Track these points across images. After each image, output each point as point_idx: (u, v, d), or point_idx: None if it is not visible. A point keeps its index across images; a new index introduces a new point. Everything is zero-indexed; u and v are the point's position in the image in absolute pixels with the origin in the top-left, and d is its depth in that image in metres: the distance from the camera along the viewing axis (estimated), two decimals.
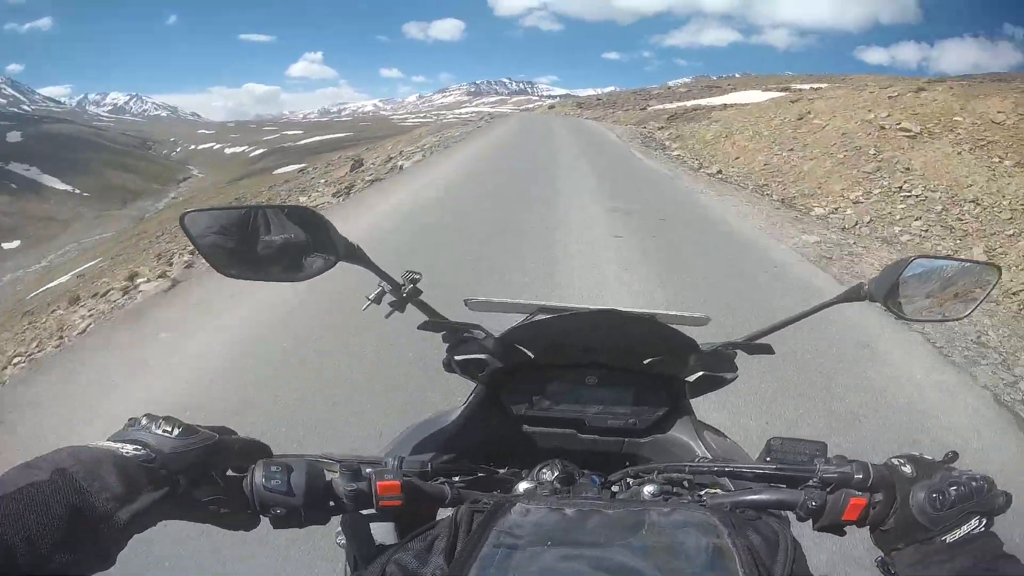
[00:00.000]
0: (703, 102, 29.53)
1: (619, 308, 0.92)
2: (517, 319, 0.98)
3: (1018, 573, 0.60)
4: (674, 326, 0.92)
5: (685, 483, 0.81)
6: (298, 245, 0.79)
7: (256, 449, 0.65)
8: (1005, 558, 0.62)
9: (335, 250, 0.80)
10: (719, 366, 0.95)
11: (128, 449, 0.54)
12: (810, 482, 0.69)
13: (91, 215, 51.11)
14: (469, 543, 0.56)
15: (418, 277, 0.91)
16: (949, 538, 0.63)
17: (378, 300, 0.89)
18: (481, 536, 0.57)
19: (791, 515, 0.71)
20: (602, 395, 0.96)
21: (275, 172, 39.63)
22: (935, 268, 0.93)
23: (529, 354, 0.92)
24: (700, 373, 0.95)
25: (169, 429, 0.57)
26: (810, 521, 0.70)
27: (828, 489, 0.68)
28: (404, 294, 0.89)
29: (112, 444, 0.55)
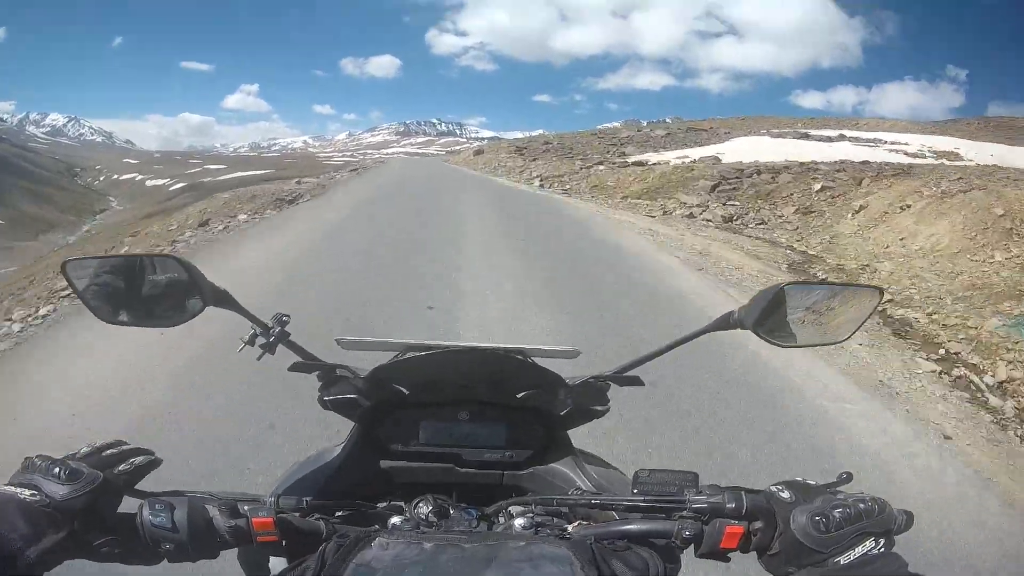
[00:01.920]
0: (702, 152, 22.50)
1: (486, 345, 0.97)
2: (389, 357, 1.00)
3: None
4: (544, 360, 0.98)
5: (562, 513, 0.83)
6: (176, 291, 0.85)
7: (141, 472, 0.71)
8: None
9: (204, 295, 0.84)
10: (589, 399, 0.97)
11: (26, 494, 0.61)
12: (683, 512, 0.70)
13: (2, 245, 53.53)
14: (326, 575, 0.60)
15: (287, 319, 0.94)
16: (844, 559, 0.63)
17: (251, 342, 0.92)
18: (339, 569, 0.60)
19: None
20: (476, 430, 0.97)
21: (182, 209, 43.74)
22: (807, 292, 0.94)
23: (404, 391, 0.94)
24: (570, 407, 0.96)
25: (57, 473, 0.63)
26: (692, 549, 0.70)
27: (703, 518, 0.69)
28: (272, 337, 0.92)
29: (11, 488, 0.62)
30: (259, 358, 0.95)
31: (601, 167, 21.29)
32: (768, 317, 0.89)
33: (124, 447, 0.73)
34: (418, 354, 0.92)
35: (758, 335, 0.89)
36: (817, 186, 12.33)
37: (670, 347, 0.95)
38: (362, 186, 18.76)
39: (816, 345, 0.99)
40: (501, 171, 26.45)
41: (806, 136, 27.81)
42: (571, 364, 1.05)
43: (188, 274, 0.84)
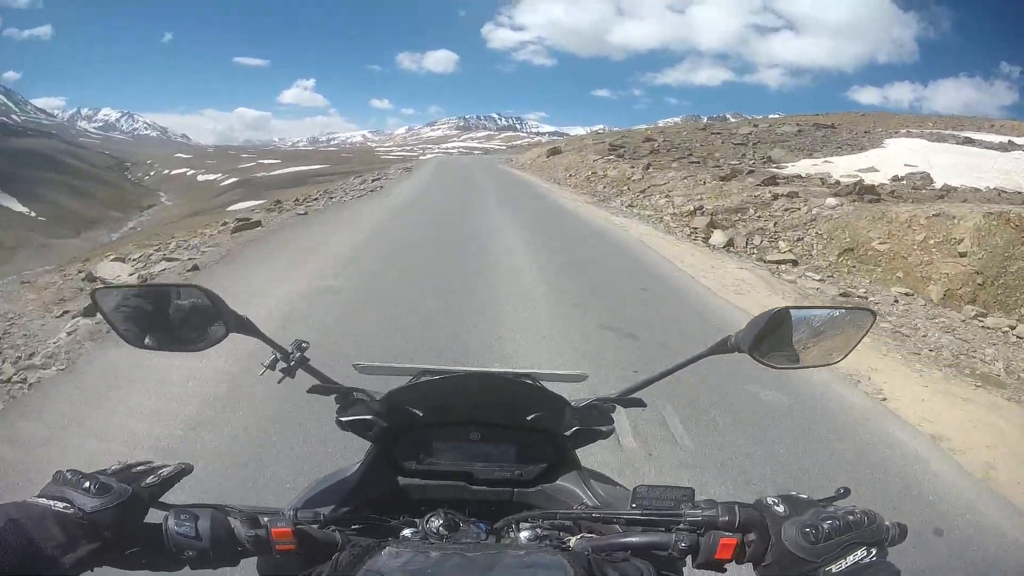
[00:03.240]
0: (867, 160, 17.74)
1: (496, 370, 1.06)
2: (404, 382, 1.03)
3: None
4: (551, 384, 1.07)
5: (567, 527, 0.86)
6: (200, 318, 0.89)
7: (167, 484, 0.74)
8: None
9: (227, 322, 0.88)
10: (594, 420, 1.00)
11: (59, 506, 0.64)
12: (680, 525, 0.74)
13: (39, 242, 48.73)
14: None
15: (306, 345, 0.97)
16: (835, 568, 0.65)
17: (272, 367, 0.96)
18: (351, 574, 0.64)
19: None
20: (487, 450, 1.01)
21: (229, 208, 37.50)
22: (803, 317, 0.94)
23: (418, 413, 0.97)
24: (576, 427, 0.99)
25: (88, 486, 0.66)
26: (690, 560, 0.74)
27: (699, 531, 0.73)
28: (292, 362, 0.95)
29: (46, 501, 0.65)
30: (279, 382, 0.98)
31: (777, 190, 12.22)
32: (764, 340, 0.91)
33: (153, 464, 0.76)
34: (432, 378, 0.99)
35: (754, 358, 0.92)
36: None
37: (669, 372, 1.00)
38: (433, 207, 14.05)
39: (812, 367, 1.00)
40: (608, 191, 16.32)
41: (969, 141, 21.93)
42: (579, 387, 1.13)
43: (211, 302, 0.88)
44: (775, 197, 11.60)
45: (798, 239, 10.01)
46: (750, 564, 0.73)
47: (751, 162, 18.16)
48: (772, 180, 13.59)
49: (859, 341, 0.96)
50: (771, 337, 0.91)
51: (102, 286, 0.89)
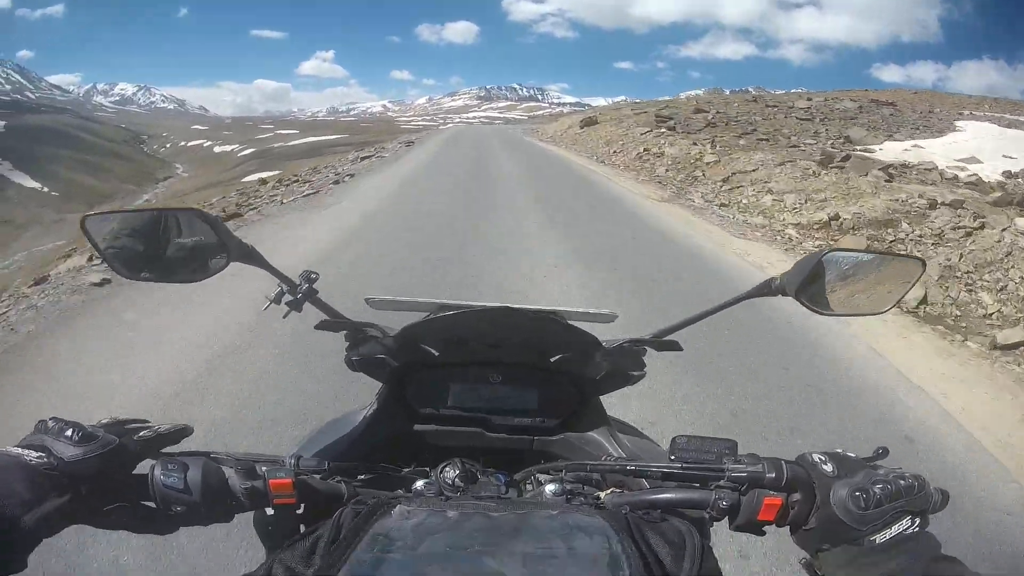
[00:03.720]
0: (944, 144, 14.76)
1: (520, 305, 0.93)
2: (420, 318, 0.96)
3: (957, 575, 0.56)
4: (579, 323, 0.94)
5: (593, 481, 0.80)
6: (200, 245, 0.81)
7: (161, 441, 0.66)
8: (944, 560, 0.58)
9: (229, 251, 0.80)
10: (626, 363, 0.95)
11: (32, 456, 0.57)
12: (721, 481, 0.68)
13: (51, 218, 47.14)
14: (341, 545, 0.55)
15: (315, 276, 0.92)
16: (879, 538, 0.60)
17: (278, 300, 0.90)
18: (355, 538, 0.56)
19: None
20: (507, 393, 0.96)
21: (244, 180, 35.26)
22: (850, 260, 0.90)
23: (433, 352, 0.92)
24: (606, 371, 0.94)
25: (70, 434, 0.59)
26: (727, 521, 0.68)
27: (741, 488, 0.67)
28: (300, 294, 0.89)
29: (18, 450, 0.58)
30: (285, 316, 0.92)
31: (922, 190, 8.25)
32: (810, 284, 0.86)
33: (148, 423, 0.69)
34: (449, 313, 0.91)
35: (800, 302, 0.86)
36: None
37: (709, 313, 0.92)
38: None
39: (857, 315, 0.94)
40: (675, 177, 11.85)
41: None
42: (608, 328, 1.02)
43: (212, 228, 0.80)
44: (932, 205, 7.43)
45: (1000, 287, 5.61)
46: (787, 528, 0.67)
47: (830, 143, 14.47)
48: (887, 171, 9.70)
49: (908, 290, 0.91)
50: (818, 281, 0.85)
51: (92, 212, 0.76)
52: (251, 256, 0.83)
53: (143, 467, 0.64)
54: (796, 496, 0.65)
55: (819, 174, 9.68)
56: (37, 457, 0.57)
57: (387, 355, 0.92)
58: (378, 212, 8.08)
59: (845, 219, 7.55)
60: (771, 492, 0.65)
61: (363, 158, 18.44)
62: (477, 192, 10.25)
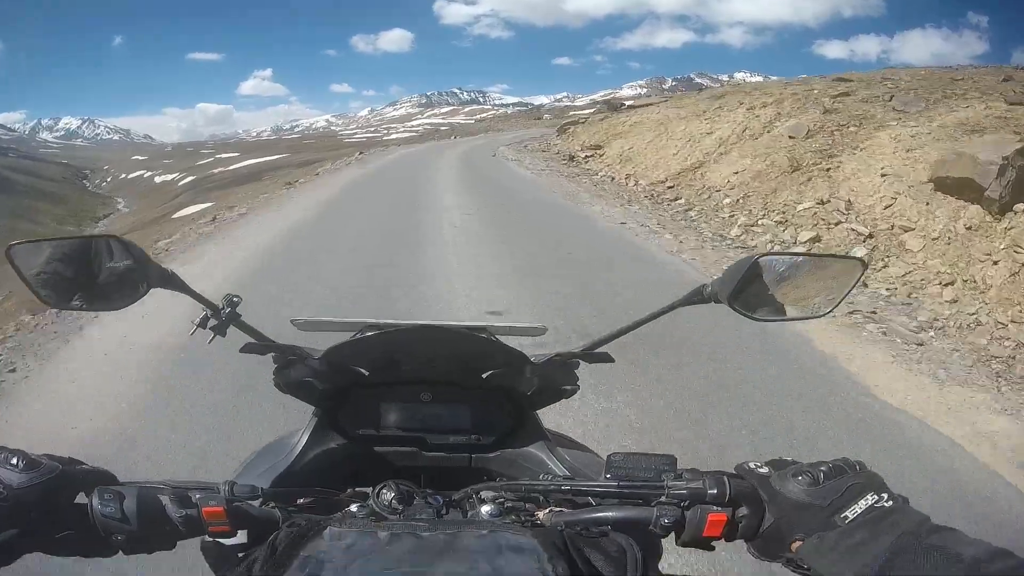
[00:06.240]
0: None
1: (448, 323, 0.96)
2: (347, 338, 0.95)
3: (960, 541, 0.52)
4: (508, 338, 0.96)
5: (535, 499, 0.77)
6: (123, 273, 0.81)
7: (100, 477, 0.66)
8: (938, 530, 0.54)
9: (149, 277, 0.81)
10: (558, 378, 0.94)
11: None
12: (662, 498, 0.67)
13: None
14: (271, 567, 0.56)
15: (237, 300, 0.91)
16: (850, 514, 0.57)
17: (203, 324, 0.89)
18: (287, 561, 0.56)
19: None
20: (440, 412, 0.96)
21: (177, 215, 35.36)
22: (785, 263, 0.88)
23: (363, 372, 0.92)
24: (537, 386, 0.93)
25: (15, 463, 0.60)
26: (674, 537, 0.67)
27: (684, 505, 0.66)
28: (223, 317, 0.89)
29: None
30: (211, 341, 0.91)
31: None
32: (744, 290, 0.83)
33: (83, 463, 0.67)
34: (374, 334, 0.92)
35: (733, 308, 0.84)
36: None
37: (639, 323, 0.91)
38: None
39: (797, 319, 0.91)
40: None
41: None
42: (538, 342, 1.03)
43: (131, 255, 0.82)
44: None
45: None
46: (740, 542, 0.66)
47: None
48: None
49: (848, 292, 0.88)
50: (751, 287, 0.82)
51: (19, 241, 0.79)
52: (171, 281, 0.84)
53: (81, 497, 0.64)
54: (743, 510, 0.64)
55: None
56: None
57: (314, 378, 0.91)
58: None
59: None
60: (715, 508, 0.64)
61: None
62: None
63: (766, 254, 0.85)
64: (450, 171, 15.38)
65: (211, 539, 0.68)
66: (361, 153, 28.12)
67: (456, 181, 13.30)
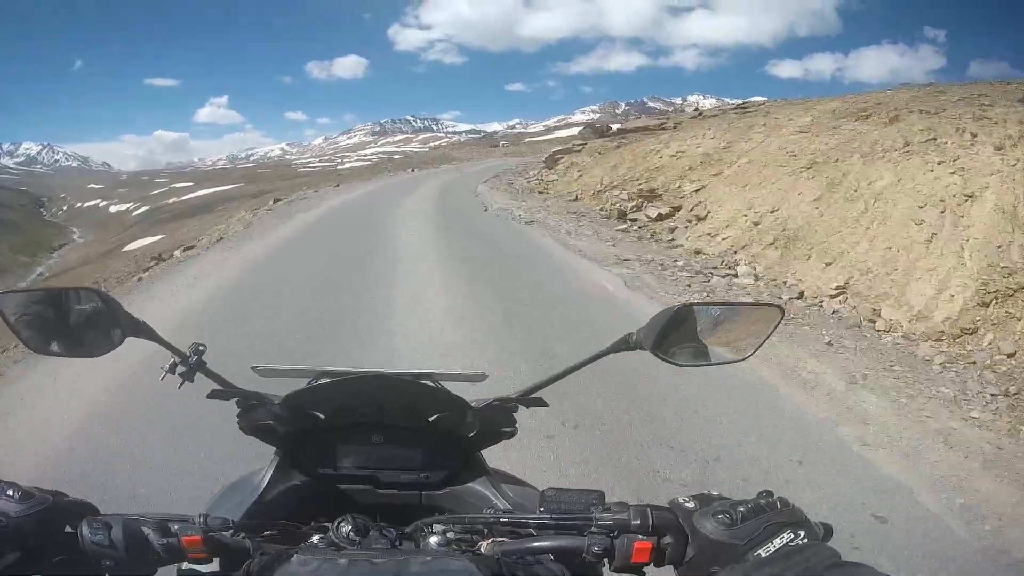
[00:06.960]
0: None
1: (395, 371, 1.04)
2: (304, 384, 1.05)
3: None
4: (450, 384, 1.05)
5: (483, 531, 0.82)
6: (100, 322, 0.89)
7: (85, 508, 0.72)
8: (846, 565, 0.58)
9: (123, 327, 0.89)
10: (497, 421, 1.01)
11: None
12: (592, 529, 0.71)
13: None
14: None
15: (203, 348, 0.97)
16: (764, 552, 0.62)
17: (172, 371, 0.95)
18: None
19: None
20: (391, 452, 1.02)
21: (126, 248, 37.30)
22: (705, 313, 0.93)
23: (320, 416, 1.00)
24: (478, 429, 1.00)
25: (11, 494, 0.66)
26: (607, 565, 0.71)
27: (612, 535, 0.70)
28: (190, 365, 0.95)
29: None
30: (180, 387, 0.96)
31: None
32: (667, 337, 0.89)
33: (68, 496, 0.73)
34: (326, 382, 0.99)
35: (657, 355, 0.89)
36: None
37: (571, 370, 0.98)
38: None
39: (719, 364, 0.97)
40: None
41: None
42: (480, 387, 1.09)
43: (106, 306, 0.88)
44: None
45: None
46: (670, 567, 0.70)
47: None
48: None
49: (768, 336, 0.94)
50: (675, 334, 0.89)
51: (3, 291, 0.91)
52: (142, 330, 0.90)
53: (70, 527, 0.69)
54: (667, 538, 0.69)
55: None
56: None
57: (275, 421, 0.98)
58: None
59: None
60: (640, 536, 0.69)
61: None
62: None
63: (688, 304, 0.92)
64: (428, 262, 7.52)
65: (187, 567, 0.72)
66: (276, 202, 17.10)
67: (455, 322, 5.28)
